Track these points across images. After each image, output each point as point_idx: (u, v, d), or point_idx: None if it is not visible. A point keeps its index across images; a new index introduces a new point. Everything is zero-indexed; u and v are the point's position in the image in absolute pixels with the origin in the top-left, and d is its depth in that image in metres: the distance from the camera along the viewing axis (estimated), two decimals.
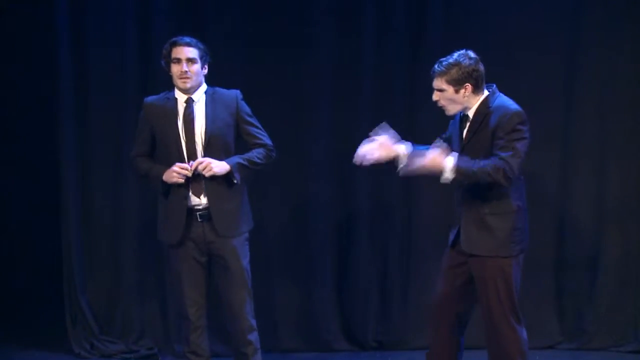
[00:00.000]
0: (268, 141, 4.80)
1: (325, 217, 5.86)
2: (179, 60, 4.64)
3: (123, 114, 5.78)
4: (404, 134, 5.78)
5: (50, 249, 6.02)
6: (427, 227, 5.84)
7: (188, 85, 4.66)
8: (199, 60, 4.67)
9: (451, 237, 4.49)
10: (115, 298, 5.92)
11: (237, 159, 4.68)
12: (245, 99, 4.87)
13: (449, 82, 4.25)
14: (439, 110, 5.77)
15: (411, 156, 4.24)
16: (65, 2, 5.72)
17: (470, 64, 4.24)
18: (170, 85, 4.82)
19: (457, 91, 4.27)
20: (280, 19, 5.78)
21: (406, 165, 4.22)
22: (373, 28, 5.78)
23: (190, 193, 4.65)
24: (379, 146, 4.35)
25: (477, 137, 4.30)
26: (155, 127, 4.72)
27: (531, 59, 5.77)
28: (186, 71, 4.62)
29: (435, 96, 4.33)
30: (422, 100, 5.77)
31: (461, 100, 4.29)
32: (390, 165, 5.70)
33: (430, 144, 5.55)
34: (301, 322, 5.91)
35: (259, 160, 4.74)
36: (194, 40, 4.69)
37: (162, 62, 4.74)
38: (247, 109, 4.79)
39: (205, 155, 4.63)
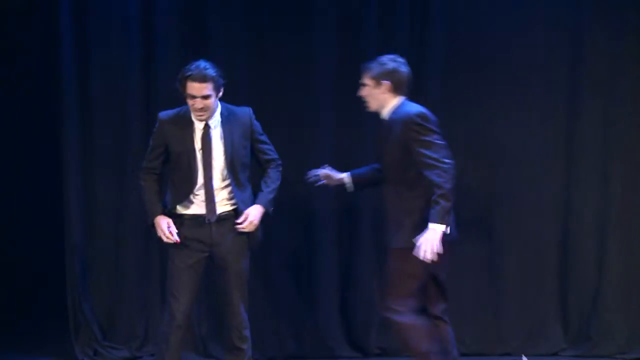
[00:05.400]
0: (276, 155, 4.91)
1: (329, 223, 5.86)
2: (193, 97, 4.62)
3: (127, 117, 5.79)
4: None
5: (53, 255, 6.01)
6: None
7: (204, 119, 4.69)
8: (213, 94, 4.65)
9: None
10: (118, 304, 5.91)
11: (267, 195, 4.82)
12: (248, 99, 4.94)
13: (371, 78, 4.61)
14: (444, 114, 5.81)
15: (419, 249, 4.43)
16: (68, 6, 5.71)
17: (392, 65, 4.60)
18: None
19: (376, 87, 4.61)
20: (284, 20, 5.80)
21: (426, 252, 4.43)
22: (375, 31, 5.79)
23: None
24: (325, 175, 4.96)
25: (387, 143, 4.58)
26: (171, 147, 4.74)
27: (535, 66, 5.78)
28: (202, 107, 4.63)
29: (361, 91, 4.67)
30: (424, 101, 5.81)
31: (379, 97, 4.62)
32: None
33: None
34: (304, 329, 5.90)
35: (279, 182, 4.89)
36: (208, 74, 4.59)
37: (177, 85, 4.67)
38: (259, 127, 4.86)
39: (228, 175, 4.72)
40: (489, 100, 5.86)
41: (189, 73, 4.59)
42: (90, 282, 5.89)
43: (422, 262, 4.41)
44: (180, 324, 4.76)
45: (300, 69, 5.81)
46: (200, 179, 4.72)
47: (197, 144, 4.71)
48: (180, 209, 4.77)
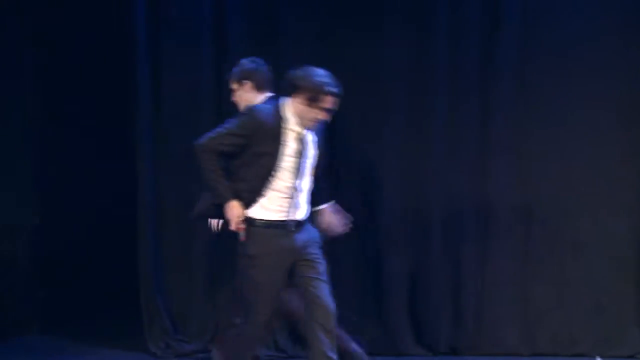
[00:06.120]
0: None
1: (397, 220, 5.82)
2: (327, 110, 4.52)
3: (199, 114, 5.84)
4: (476, 135, 5.76)
5: (127, 248, 6.10)
6: (502, 231, 5.78)
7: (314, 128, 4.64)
8: None
9: None
10: (190, 298, 5.96)
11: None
12: None
13: (235, 81, 4.99)
14: (516, 111, 5.70)
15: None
16: (143, 5, 5.80)
17: (251, 66, 4.97)
18: None
19: (240, 88, 4.97)
20: (353, 19, 5.77)
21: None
22: (446, 27, 5.74)
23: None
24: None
25: None
26: (257, 144, 4.53)
27: (610, 63, 5.68)
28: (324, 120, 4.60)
29: (232, 97, 5.02)
30: (495, 101, 5.74)
31: (245, 97, 4.94)
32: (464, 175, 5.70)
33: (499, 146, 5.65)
34: (374, 327, 5.86)
35: None
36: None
37: (303, 93, 4.49)
38: None
39: (310, 178, 4.68)
40: (564, 96, 5.75)
41: (333, 89, 4.50)
42: (163, 275, 5.95)
43: None
44: (262, 335, 4.84)
45: (369, 70, 5.77)
46: (288, 182, 4.56)
47: (289, 146, 4.55)
48: (252, 213, 4.59)
